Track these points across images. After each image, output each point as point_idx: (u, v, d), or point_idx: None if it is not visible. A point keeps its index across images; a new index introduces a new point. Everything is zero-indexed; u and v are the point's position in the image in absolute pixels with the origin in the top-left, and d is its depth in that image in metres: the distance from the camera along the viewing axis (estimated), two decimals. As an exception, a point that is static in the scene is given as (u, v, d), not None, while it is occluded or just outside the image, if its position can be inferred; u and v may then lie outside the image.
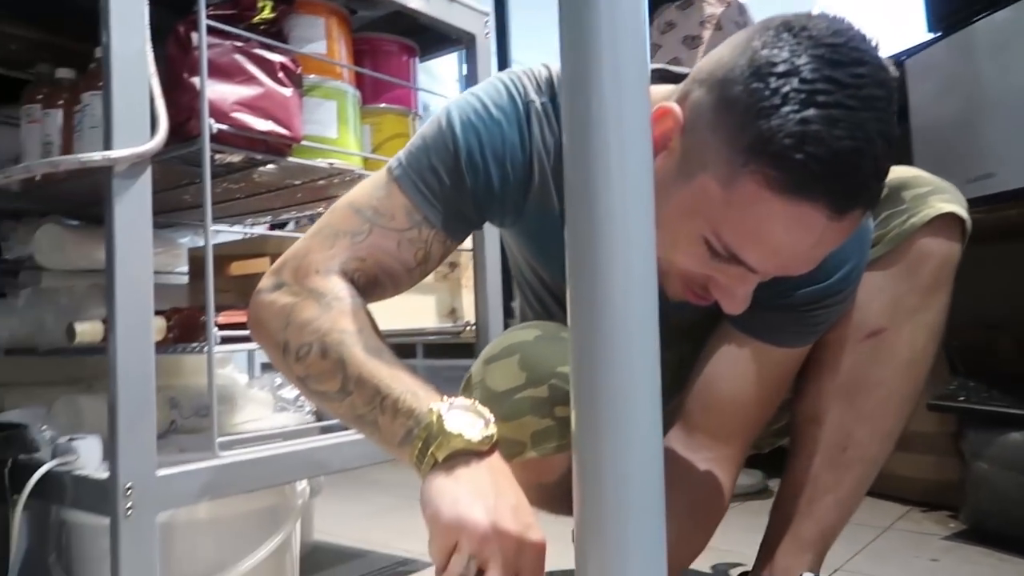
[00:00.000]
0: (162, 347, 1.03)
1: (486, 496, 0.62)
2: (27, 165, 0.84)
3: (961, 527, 1.45)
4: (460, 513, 0.60)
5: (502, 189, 0.76)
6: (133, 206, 0.87)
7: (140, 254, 0.88)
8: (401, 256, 0.75)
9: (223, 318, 1.01)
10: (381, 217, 0.75)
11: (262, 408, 1.17)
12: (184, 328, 1.03)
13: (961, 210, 0.84)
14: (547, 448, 0.77)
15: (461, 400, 0.67)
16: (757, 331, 0.84)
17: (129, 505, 0.86)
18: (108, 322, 0.87)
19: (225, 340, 0.99)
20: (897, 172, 0.86)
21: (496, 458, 0.66)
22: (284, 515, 1.05)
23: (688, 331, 0.88)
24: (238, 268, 1.22)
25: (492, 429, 0.65)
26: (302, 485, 1.08)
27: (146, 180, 0.88)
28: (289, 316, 0.71)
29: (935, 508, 1.59)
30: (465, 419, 0.65)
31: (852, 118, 0.58)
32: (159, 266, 1.33)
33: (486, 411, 0.67)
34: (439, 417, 0.63)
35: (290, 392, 1.23)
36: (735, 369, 0.87)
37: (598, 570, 0.48)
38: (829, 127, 0.58)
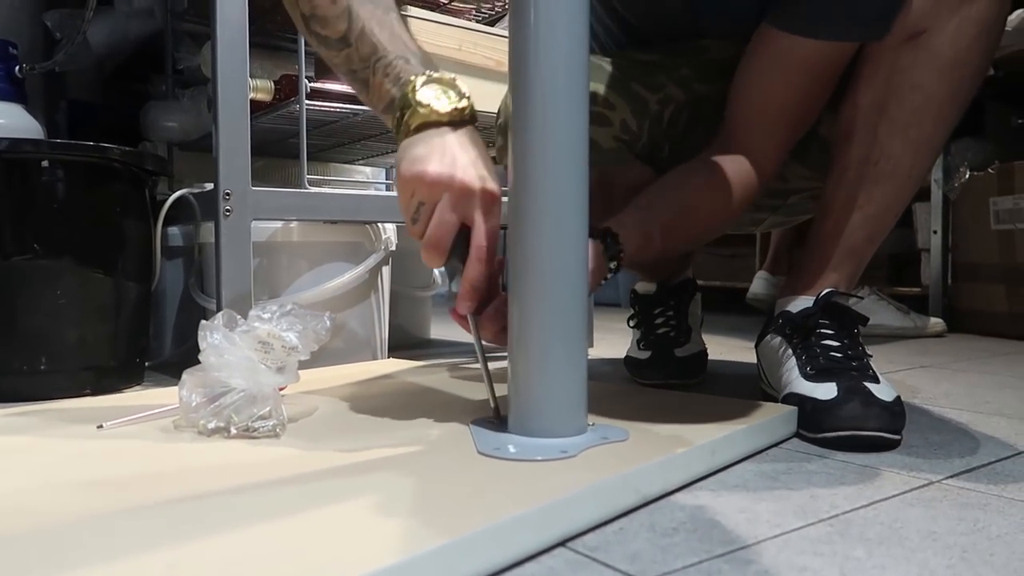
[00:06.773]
0: (271, 106, 1.23)
1: (444, 153, 0.66)
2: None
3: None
4: (416, 168, 0.65)
5: None
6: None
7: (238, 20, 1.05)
8: None
9: (318, 83, 1.19)
10: None
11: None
12: (288, 91, 1.22)
13: None
14: None
15: (443, 74, 0.69)
16: (779, 20, 0.84)
17: (228, 208, 1.06)
18: (213, 81, 1.05)
19: (316, 95, 1.16)
20: None
21: (467, 130, 0.69)
22: (368, 253, 1.22)
23: (729, 66, 0.93)
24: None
25: (465, 103, 0.68)
26: (387, 234, 1.24)
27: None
28: None
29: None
30: (434, 92, 0.68)
31: None
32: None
33: (464, 87, 0.70)
34: (413, 89, 0.67)
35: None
36: (762, 71, 0.89)
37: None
38: None
